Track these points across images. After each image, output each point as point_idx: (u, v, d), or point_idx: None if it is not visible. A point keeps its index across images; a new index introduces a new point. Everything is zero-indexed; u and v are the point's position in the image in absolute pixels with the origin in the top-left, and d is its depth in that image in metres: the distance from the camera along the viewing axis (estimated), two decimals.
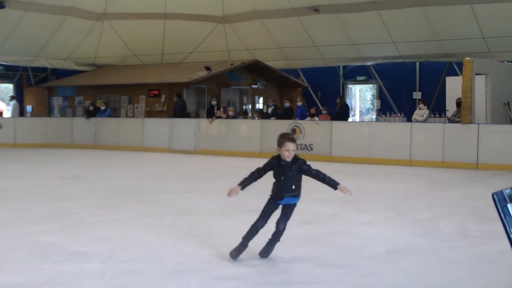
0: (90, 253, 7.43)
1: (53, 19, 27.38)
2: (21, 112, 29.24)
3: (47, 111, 29.86)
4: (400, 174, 16.85)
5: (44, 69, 30.64)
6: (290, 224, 9.49)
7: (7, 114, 29.50)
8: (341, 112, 22.93)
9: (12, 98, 29.49)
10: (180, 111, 24.44)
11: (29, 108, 29.69)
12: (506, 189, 2.90)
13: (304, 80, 29.85)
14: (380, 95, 28.34)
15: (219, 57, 28.84)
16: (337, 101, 23.67)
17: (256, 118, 23.83)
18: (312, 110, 23.15)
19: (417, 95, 25.74)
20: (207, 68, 26.01)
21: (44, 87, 30.16)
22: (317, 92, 29.53)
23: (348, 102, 27.55)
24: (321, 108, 25.26)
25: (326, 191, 13.41)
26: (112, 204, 11.36)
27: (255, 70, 28.24)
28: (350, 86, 30.03)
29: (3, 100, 32.17)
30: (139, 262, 7.03)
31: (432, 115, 22.90)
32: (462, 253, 7.68)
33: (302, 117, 22.72)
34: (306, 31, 27.25)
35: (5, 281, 6.29)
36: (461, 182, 15.17)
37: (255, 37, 28.61)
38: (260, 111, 25.93)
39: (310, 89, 29.62)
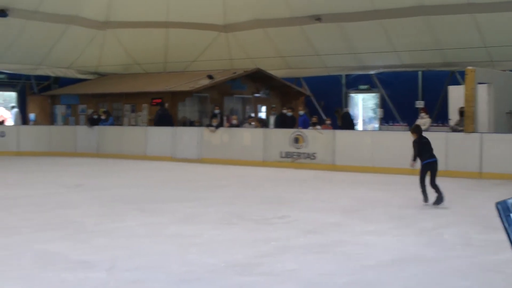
0: (94, 262, 7.44)
1: (56, 28, 27.40)
2: (23, 120, 29.23)
3: (50, 120, 29.88)
4: (403, 183, 16.80)
5: (47, 78, 30.61)
6: (293, 233, 9.53)
7: (10, 122, 29.51)
8: (346, 122, 22.70)
9: (12, 107, 29.58)
10: (159, 120, 24.49)
11: (32, 116, 29.67)
12: (510, 198, 2.90)
13: (307, 89, 29.84)
14: (382, 104, 28.31)
15: (221, 65, 28.81)
16: (335, 114, 23.34)
17: (256, 126, 23.62)
18: (314, 119, 23.08)
19: (419, 104, 25.69)
20: (210, 77, 26.01)
21: (47, 95, 30.19)
22: (320, 102, 29.51)
23: (350, 111, 27.45)
24: (325, 118, 24.95)
25: (327, 201, 13.32)
26: (116, 212, 11.37)
27: (258, 79, 28.23)
28: (352, 95, 30.01)
29: (6, 108, 32.15)
30: (143, 271, 7.03)
31: (435, 124, 22.85)
32: (466, 262, 7.68)
33: (305, 126, 22.68)
34: (308, 40, 27.27)
35: None
36: (464, 191, 15.13)
37: (257, 46, 28.64)
38: (261, 119, 25.80)
39: (312, 98, 29.61)
